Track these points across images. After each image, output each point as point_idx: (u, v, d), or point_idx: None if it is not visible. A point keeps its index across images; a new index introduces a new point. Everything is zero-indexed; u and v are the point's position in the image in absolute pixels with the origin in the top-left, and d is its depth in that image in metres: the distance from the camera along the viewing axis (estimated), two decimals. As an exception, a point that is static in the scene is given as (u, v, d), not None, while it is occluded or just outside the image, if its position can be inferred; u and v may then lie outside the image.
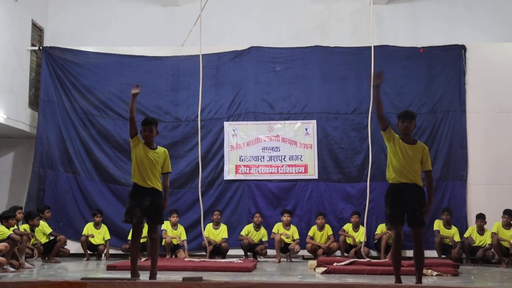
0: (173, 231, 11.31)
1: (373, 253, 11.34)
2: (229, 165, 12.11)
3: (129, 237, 11.53)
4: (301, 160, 12.05)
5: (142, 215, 6.67)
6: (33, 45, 12.60)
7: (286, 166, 12.06)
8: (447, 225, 11.22)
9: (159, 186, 6.77)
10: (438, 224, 11.22)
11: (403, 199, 6.39)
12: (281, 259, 10.97)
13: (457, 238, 11.08)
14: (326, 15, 13.14)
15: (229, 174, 12.10)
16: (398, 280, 6.43)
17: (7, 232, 8.76)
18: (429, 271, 8.37)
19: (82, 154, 12.21)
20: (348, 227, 11.37)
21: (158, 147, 7.06)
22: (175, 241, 11.26)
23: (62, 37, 13.08)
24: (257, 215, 11.41)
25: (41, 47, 12.54)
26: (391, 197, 6.46)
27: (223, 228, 11.48)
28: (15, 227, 9.23)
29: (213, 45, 12.56)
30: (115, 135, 12.29)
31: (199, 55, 11.05)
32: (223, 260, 10.67)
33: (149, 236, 6.98)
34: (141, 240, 11.50)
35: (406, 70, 12.14)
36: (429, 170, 6.54)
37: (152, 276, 6.76)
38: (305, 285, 6.96)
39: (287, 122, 12.17)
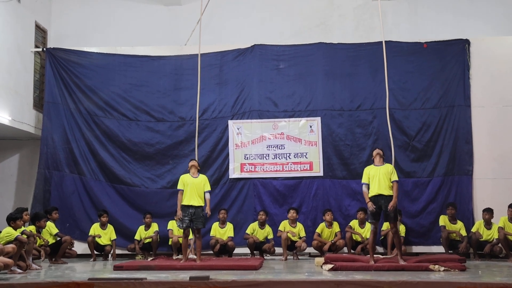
0: (179, 231, 11.31)
1: (380, 249, 11.32)
2: (234, 163, 12.11)
3: (135, 237, 11.67)
4: (306, 158, 12.04)
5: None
6: (36, 46, 12.63)
7: (291, 164, 12.05)
8: (453, 220, 11.20)
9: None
10: (443, 220, 11.19)
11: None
12: (288, 257, 10.97)
13: (463, 233, 11.06)
14: (328, 11, 13.14)
15: (234, 172, 12.10)
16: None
17: (15, 233, 8.78)
18: (436, 266, 8.35)
19: (87, 154, 12.23)
20: (354, 223, 11.36)
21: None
22: (181, 240, 11.26)
23: (65, 38, 13.11)
24: (261, 213, 11.41)
25: (44, 49, 12.57)
26: None
27: (229, 226, 11.48)
28: (23, 228, 9.24)
29: (216, 43, 12.57)
30: (120, 135, 12.31)
31: (201, 54, 11.11)
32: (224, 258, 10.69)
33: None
34: (146, 241, 11.70)
35: (410, 66, 12.10)
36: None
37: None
38: (312, 283, 6.97)
39: (291, 119, 12.16)
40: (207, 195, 9.77)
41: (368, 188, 9.13)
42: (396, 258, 9.09)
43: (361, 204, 11.47)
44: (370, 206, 8.96)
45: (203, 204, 9.69)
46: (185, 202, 9.62)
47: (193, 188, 9.63)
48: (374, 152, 9.38)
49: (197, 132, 11.85)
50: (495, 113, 11.85)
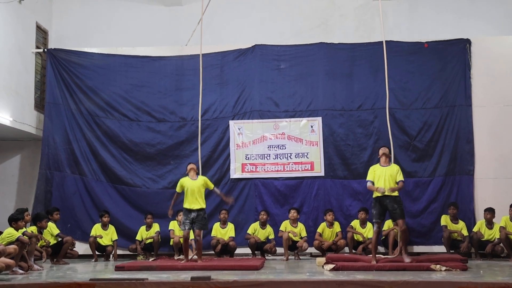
0: (180, 231, 11.31)
1: (381, 249, 11.31)
2: (235, 163, 12.10)
3: (137, 237, 11.67)
4: (307, 158, 12.04)
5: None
6: (37, 47, 12.64)
7: (292, 164, 12.05)
8: (454, 219, 11.19)
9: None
10: (445, 219, 11.18)
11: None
12: (289, 257, 10.98)
13: (464, 232, 11.05)
14: (329, 11, 13.14)
15: (235, 172, 12.10)
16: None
17: (16, 234, 8.78)
18: (438, 266, 8.33)
19: (88, 155, 12.24)
20: (355, 223, 11.36)
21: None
22: (182, 240, 11.26)
23: (66, 39, 13.12)
24: (263, 213, 11.42)
25: (45, 49, 12.58)
26: None
27: (230, 227, 11.49)
28: (24, 229, 9.24)
29: (217, 43, 12.58)
30: (121, 135, 12.32)
31: (202, 54, 11.14)
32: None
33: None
34: (148, 241, 11.70)
35: (411, 65, 12.10)
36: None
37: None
38: (314, 283, 6.97)
39: (292, 119, 12.16)
40: (217, 190, 10.10)
41: (373, 185, 9.05)
42: (399, 257, 9.05)
43: (362, 204, 11.48)
44: (381, 189, 8.84)
45: (204, 207, 9.71)
46: (186, 206, 9.63)
47: (193, 191, 9.61)
48: (380, 151, 9.27)
49: (199, 132, 11.82)
50: (496, 112, 11.85)
